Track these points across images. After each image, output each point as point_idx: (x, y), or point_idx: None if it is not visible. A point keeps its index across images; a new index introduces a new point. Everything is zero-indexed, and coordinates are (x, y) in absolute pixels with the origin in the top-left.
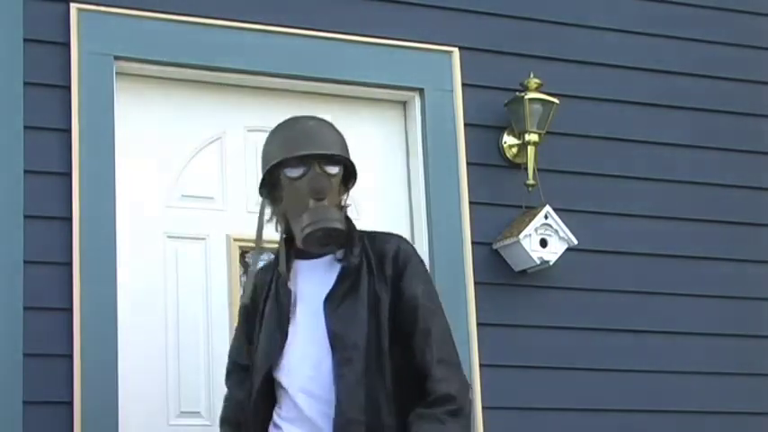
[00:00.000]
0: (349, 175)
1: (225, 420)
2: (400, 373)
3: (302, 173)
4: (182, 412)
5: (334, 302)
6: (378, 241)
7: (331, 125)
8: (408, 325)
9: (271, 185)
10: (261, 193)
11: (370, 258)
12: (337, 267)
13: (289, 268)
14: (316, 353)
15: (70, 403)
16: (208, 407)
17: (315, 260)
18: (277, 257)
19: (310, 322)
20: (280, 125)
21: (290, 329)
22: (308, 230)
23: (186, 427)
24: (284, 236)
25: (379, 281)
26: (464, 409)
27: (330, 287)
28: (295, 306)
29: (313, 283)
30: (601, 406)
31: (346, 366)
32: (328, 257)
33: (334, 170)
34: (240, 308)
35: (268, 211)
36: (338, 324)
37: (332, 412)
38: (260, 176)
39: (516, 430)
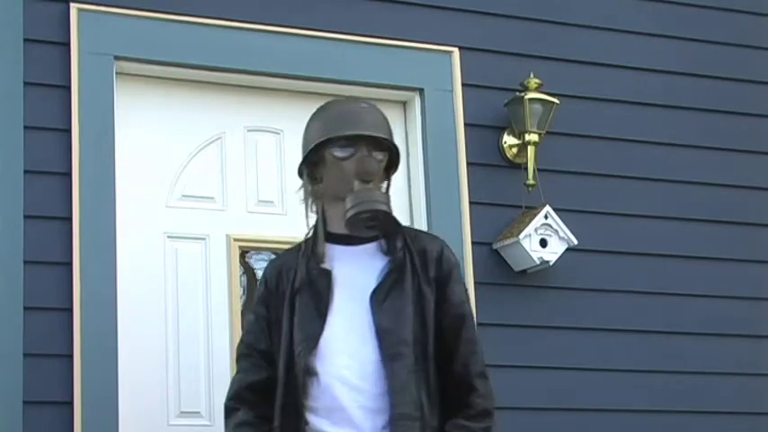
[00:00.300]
0: (391, 164)
1: (236, 397)
2: (440, 375)
3: (350, 153)
4: (182, 412)
5: (380, 296)
6: (420, 240)
7: (379, 110)
8: (453, 332)
9: (311, 164)
10: (300, 172)
11: (413, 255)
12: (380, 257)
13: (324, 252)
14: (356, 342)
15: (70, 403)
16: (208, 407)
17: (354, 247)
18: (306, 242)
19: (350, 309)
20: (328, 103)
21: (328, 316)
22: (353, 211)
23: (186, 427)
24: (319, 217)
25: (424, 280)
26: (494, 425)
27: (375, 277)
28: (333, 292)
29: (354, 269)
30: (601, 406)
31: (397, 361)
32: (370, 246)
33: (380, 155)
34: (261, 294)
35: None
36: (385, 319)
37: (368, 403)
38: (302, 154)
39: (516, 430)
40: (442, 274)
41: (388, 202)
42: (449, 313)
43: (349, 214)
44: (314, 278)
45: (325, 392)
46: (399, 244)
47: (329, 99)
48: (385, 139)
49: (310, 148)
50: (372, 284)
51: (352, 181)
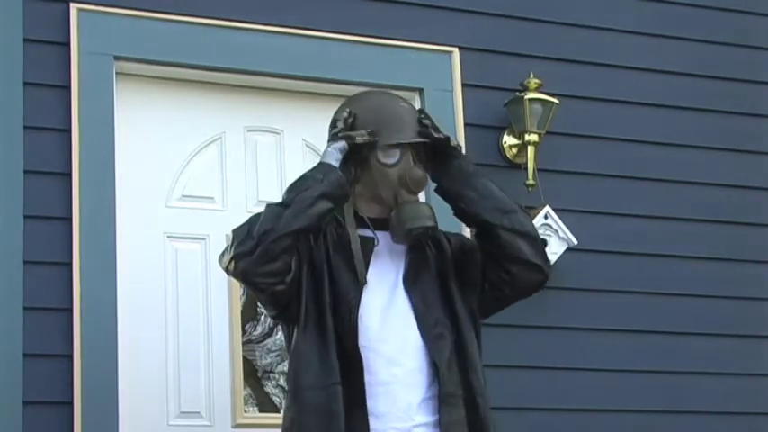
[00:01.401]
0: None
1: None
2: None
3: (396, 161)
4: (182, 412)
5: (410, 278)
6: (439, 235)
7: (413, 106)
8: (477, 249)
9: (348, 159)
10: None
11: (430, 244)
12: (406, 248)
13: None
14: (391, 317)
15: (70, 403)
16: (208, 407)
17: (379, 232)
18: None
19: (381, 285)
20: (369, 96)
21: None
22: (406, 227)
23: (186, 427)
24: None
25: (443, 264)
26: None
27: (401, 258)
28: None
29: (382, 248)
30: (601, 406)
31: (441, 341)
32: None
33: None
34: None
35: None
36: (419, 300)
37: (405, 378)
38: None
39: (516, 430)
40: (454, 245)
41: (434, 216)
42: (469, 246)
43: (403, 229)
44: (353, 250)
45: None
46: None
47: (329, 99)
48: (430, 142)
49: (355, 142)
50: (399, 264)
51: (399, 190)
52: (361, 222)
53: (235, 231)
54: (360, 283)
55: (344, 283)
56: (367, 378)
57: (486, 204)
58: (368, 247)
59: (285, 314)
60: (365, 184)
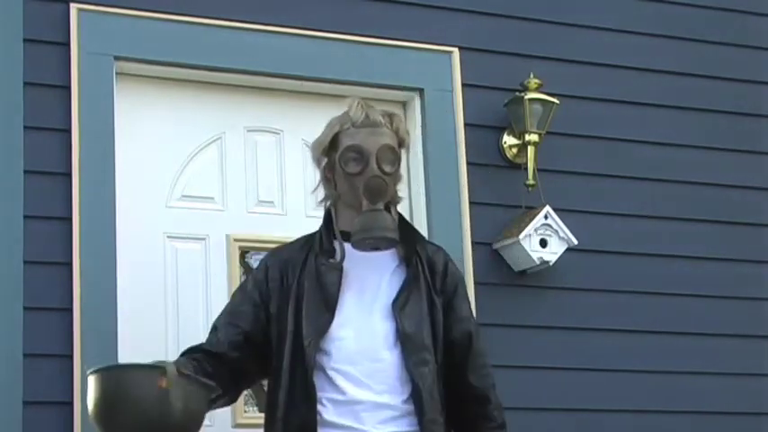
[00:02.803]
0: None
1: (194, 349)
2: (451, 388)
3: (360, 169)
4: None
5: (400, 301)
6: (426, 249)
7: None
8: (464, 344)
9: (327, 166)
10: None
11: (423, 264)
12: (391, 256)
13: (334, 249)
14: (366, 339)
15: (70, 403)
16: None
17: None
18: (313, 235)
19: (360, 306)
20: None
21: (337, 312)
22: (359, 236)
23: None
24: (332, 214)
25: (434, 290)
26: None
27: (386, 275)
28: (342, 287)
29: (364, 266)
30: (601, 406)
31: (423, 367)
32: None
33: (389, 168)
34: (258, 280)
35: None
36: (408, 324)
37: (373, 399)
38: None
39: (516, 430)
40: (449, 288)
41: (394, 228)
42: (458, 327)
43: (355, 238)
44: (323, 272)
45: (330, 385)
46: (414, 252)
47: (329, 99)
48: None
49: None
50: (383, 281)
51: (361, 198)
52: (344, 236)
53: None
54: (328, 320)
55: (311, 312)
56: (335, 396)
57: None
58: (335, 273)
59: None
60: (339, 188)
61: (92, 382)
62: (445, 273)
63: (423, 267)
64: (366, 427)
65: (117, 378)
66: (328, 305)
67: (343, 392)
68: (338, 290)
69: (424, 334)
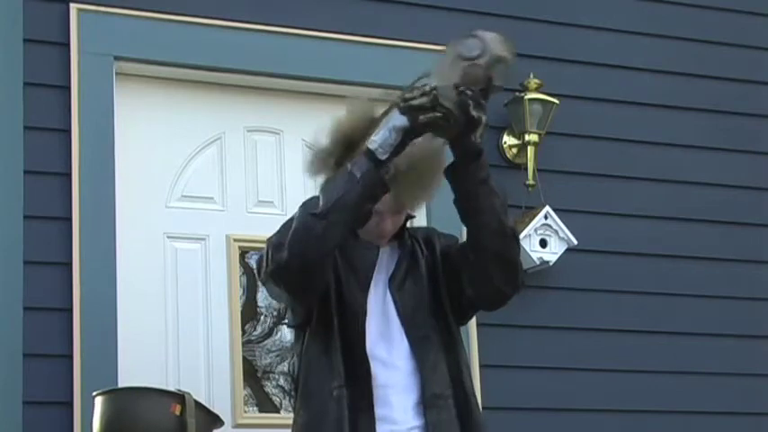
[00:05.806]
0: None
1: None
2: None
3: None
4: None
5: (396, 281)
6: (418, 232)
7: None
8: (458, 247)
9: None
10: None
11: (419, 242)
12: (395, 253)
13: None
14: (383, 323)
15: (70, 403)
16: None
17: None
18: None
19: (377, 291)
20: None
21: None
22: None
23: None
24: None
25: (433, 260)
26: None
27: (393, 266)
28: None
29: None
30: (601, 406)
31: (425, 344)
32: (384, 249)
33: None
34: None
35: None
36: (407, 302)
37: (401, 381)
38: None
39: (516, 430)
40: (444, 244)
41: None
42: (453, 247)
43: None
44: (360, 252)
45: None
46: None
47: (329, 99)
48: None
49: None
50: (390, 267)
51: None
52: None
53: (271, 242)
54: (364, 290)
55: (351, 289)
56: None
57: (487, 219)
58: (372, 252)
59: (308, 322)
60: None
61: (99, 403)
62: (438, 239)
63: (420, 248)
64: (396, 415)
65: (126, 401)
66: (362, 286)
67: (373, 376)
68: (372, 271)
69: (424, 311)
